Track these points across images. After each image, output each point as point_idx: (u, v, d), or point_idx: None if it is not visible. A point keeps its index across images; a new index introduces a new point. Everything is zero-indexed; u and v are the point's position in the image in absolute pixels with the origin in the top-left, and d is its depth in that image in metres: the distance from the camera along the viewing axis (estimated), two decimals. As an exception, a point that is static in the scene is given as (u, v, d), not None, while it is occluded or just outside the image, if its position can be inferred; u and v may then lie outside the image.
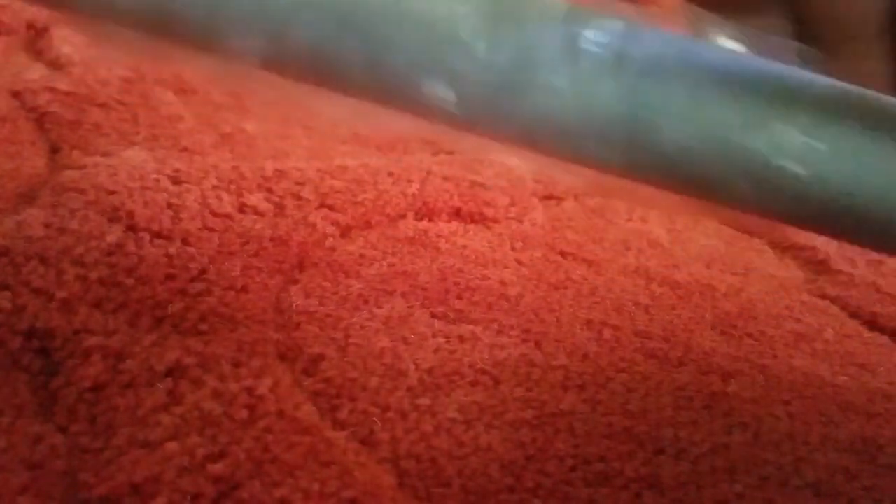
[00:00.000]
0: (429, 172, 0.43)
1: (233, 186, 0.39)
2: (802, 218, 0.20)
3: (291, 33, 0.19)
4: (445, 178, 0.44)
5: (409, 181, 0.43)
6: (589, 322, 0.35)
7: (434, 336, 0.33)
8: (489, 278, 0.37)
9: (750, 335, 0.36)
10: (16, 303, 0.30)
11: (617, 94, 0.19)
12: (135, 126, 0.43)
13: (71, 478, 0.25)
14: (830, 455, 0.30)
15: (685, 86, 0.19)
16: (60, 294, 0.31)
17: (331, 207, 0.40)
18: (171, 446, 0.26)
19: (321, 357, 0.30)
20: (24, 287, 0.31)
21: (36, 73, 0.47)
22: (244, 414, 0.27)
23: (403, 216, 0.41)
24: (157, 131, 0.43)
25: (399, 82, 0.19)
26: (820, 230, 0.21)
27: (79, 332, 0.29)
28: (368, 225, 0.40)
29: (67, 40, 0.49)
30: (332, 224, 0.38)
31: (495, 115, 0.20)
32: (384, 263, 0.36)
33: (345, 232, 0.39)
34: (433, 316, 0.34)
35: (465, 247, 0.39)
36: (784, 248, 0.45)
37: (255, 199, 0.38)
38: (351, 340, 0.32)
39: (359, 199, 0.40)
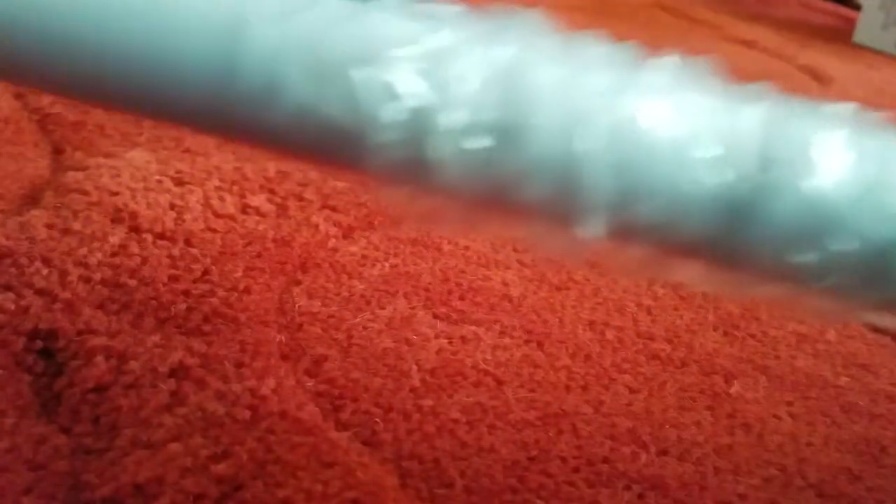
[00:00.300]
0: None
1: (235, 188, 0.39)
2: None
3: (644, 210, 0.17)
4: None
5: (412, 182, 0.43)
6: (591, 323, 0.35)
7: (436, 337, 0.33)
8: (491, 279, 0.37)
9: (752, 336, 0.36)
10: (19, 304, 0.30)
11: None
12: (137, 127, 0.43)
13: (74, 478, 0.25)
14: (833, 456, 0.30)
15: None
16: (64, 295, 0.31)
17: (333, 209, 0.40)
18: (175, 447, 0.26)
19: (324, 358, 0.31)
20: (27, 288, 0.31)
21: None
22: (247, 415, 0.27)
23: (405, 217, 0.41)
24: (159, 132, 0.43)
25: (768, 254, 0.17)
26: None
27: (82, 332, 0.29)
28: (371, 226, 0.40)
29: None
30: (335, 225, 0.38)
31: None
32: (386, 264, 0.36)
33: (347, 233, 0.39)
34: (435, 317, 0.34)
35: (467, 248, 0.39)
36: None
37: (258, 200, 0.38)
38: (353, 341, 0.32)
39: (361, 200, 0.40)
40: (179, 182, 0.38)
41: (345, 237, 0.38)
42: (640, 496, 0.27)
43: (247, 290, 0.33)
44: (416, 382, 0.30)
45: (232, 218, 0.37)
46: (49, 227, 0.34)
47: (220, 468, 0.25)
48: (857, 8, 1.03)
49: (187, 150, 0.42)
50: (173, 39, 0.17)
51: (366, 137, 0.16)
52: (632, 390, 0.31)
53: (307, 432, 0.27)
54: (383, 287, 0.35)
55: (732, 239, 0.17)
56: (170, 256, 0.34)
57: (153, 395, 0.27)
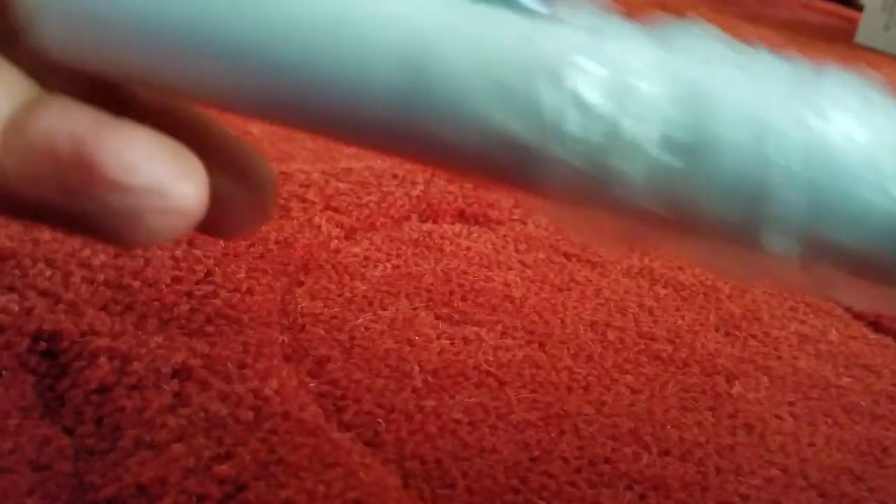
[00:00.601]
0: (433, 175, 0.44)
1: (238, 189, 0.39)
2: None
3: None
4: (449, 181, 0.44)
5: (414, 183, 0.43)
6: (593, 324, 0.35)
7: (439, 338, 0.33)
8: (493, 280, 0.37)
9: (754, 336, 0.36)
10: (23, 305, 0.30)
11: None
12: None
13: (78, 479, 0.25)
14: (835, 456, 0.30)
15: None
16: (67, 296, 0.31)
17: (335, 210, 0.40)
18: (178, 448, 0.26)
19: (326, 359, 0.31)
20: (31, 290, 0.31)
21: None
22: (250, 415, 0.27)
23: (408, 218, 0.41)
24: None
25: None
26: None
27: (86, 334, 0.29)
28: (373, 227, 0.40)
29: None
30: (337, 226, 0.39)
31: None
32: (389, 265, 0.37)
33: (349, 234, 0.39)
34: (438, 318, 0.34)
35: (469, 249, 0.39)
36: (788, 250, 0.45)
37: (260, 201, 0.38)
38: (356, 342, 0.32)
39: (363, 201, 0.41)
40: (182, 184, 0.38)
41: (347, 238, 0.38)
42: (642, 496, 0.27)
43: (249, 292, 0.33)
44: (419, 383, 0.30)
45: (234, 219, 0.37)
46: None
47: (223, 469, 0.25)
48: (860, 9, 1.03)
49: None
50: (358, 55, 0.16)
51: (550, 152, 0.16)
52: (633, 391, 0.32)
53: (310, 433, 0.27)
54: (385, 288, 0.35)
55: None
56: (173, 258, 0.34)
57: (156, 396, 0.28)
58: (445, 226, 0.41)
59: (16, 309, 0.30)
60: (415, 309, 0.34)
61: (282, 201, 0.39)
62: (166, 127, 0.18)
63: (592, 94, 0.16)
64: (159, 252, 0.34)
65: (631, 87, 0.16)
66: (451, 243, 0.39)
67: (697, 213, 0.16)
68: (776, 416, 0.32)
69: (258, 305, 0.32)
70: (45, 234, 0.34)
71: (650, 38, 0.17)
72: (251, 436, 0.26)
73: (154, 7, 0.17)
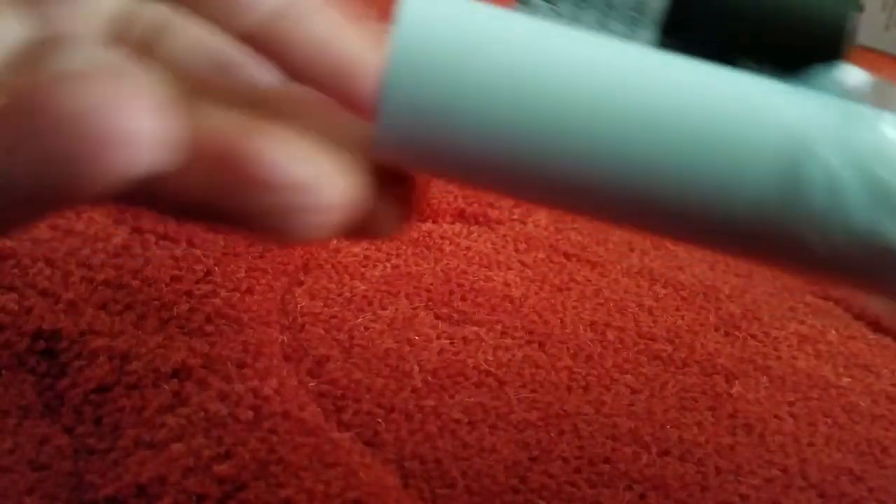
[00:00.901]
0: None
1: (237, 188, 0.39)
2: None
3: None
4: (449, 180, 0.44)
5: (414, 183, 0.43)
6: (593, 323, 0.35)
7: (438, 337, 0.33)
8: (493, 280, 0.37)
9: (754, 337, 0.36)
10: (22, 304, 0.30)
11: None
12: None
13: (77, 479, 0.25)
14: (835, 456, 0.30)
15: None
16: (67, 296, 0.31)
17: (335, 209, 0.40)
18: (177, 447, 0.26)
19: (326, 358, 0.31)
20: (30, 289, 0.31)
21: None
22: (249, 415, 0.27)
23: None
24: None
25: None
26: None
27: (85, 333, 0.29)
28: (373, 227, 0.40)
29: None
30: (337, 226, 0.38)
31: None
32: (388, 265, 0.37)
33: (349, 234, 0.39)
34: (437, 317, 0.34)
35: (468, 248, 0.39)
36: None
37: (260, 201, 0.38)
38: (355, 342, 0.32)
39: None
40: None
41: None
42: (642, 496, 0.27)
43: (249, 291, 0.33)
44: (418, 383, 0.30)
45: (234, 219, 0.37)
46: (52, 227, 0.34)
47: (223, 468, 0.25)
48: (860, 9, 1.03)
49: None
50: (730, 154, 0.15)
51: None
52: (633, 391, 0.32)
53: (309, 433, 0.27)
54: (385, 288, 0.35)
55: None
56: (172, 257, 0.34)
57: (156, 395, 0.28)
58: (445, 225, 0.41)
59: (15, 308, 0.30)
60: (414, 309, 0.34)
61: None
62: (314, 124, 0.18)
63: None
64: (159, 252, 0.34)
65: None
66: (450, 243, 0.39)
67: None
68: (776, 417, 0.32)
69: (258, 305, 0.32)
70: (45, 234, 0.33)
71: None
72: (251, 435, 0.26)
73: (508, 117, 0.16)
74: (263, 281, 0.34)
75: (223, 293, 0.32)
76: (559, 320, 0.35)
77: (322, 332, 0.32)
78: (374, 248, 0.38)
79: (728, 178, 0.16)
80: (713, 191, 0.16)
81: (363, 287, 0.35)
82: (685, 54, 0.17)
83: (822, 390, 0.33)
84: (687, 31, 0.18)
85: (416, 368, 0.31)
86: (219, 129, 0.17)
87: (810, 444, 0.30)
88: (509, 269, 0.38)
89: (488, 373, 0.31)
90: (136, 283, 0.32)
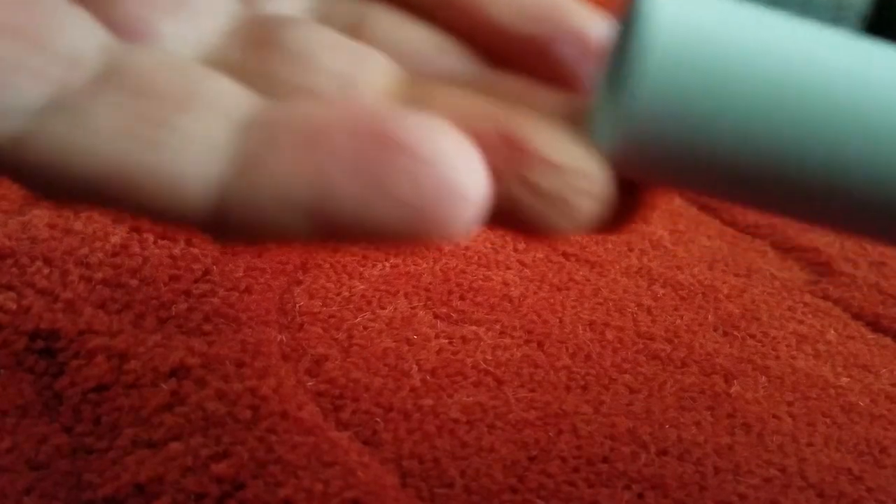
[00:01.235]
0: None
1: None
2: None
3: None
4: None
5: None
6: (591, 323, 0.35)
7: (437, 337, 0.33)
8: (492, 279, 0.37)
9: (752, 336, 0.36)
10: (20, 303, 0.30)
11: None
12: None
13: (75, 478, 0.25)
14: (834, 456, 0.30)
15: None
16: (65, 295, 0.31)
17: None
18: (175, 446, 0.26)
19: (324, 358, 0.31)
20: (28, 288, 0.31)
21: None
22: (248, 414, 0.27)
23: None
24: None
25: None
26: None
27: (83, 332, 0.29)
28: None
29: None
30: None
31: None
32: (387, 264, 0.37)
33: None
34: (436, 317, 0.34)
35: (467, 248, 0.39)
36: (787, 250, 0.45)
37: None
38: (354, 341, 0.32)
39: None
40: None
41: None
42: (640, 496, 0.27)
43: (248, 290, 0.33)
44: (417, 382, 0.30)
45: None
46: (51, 226, 0.34)
47: (221, 467, 0.25)
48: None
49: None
50: None
51: None
52: (632, 390, 0.31)
53: (308, 432, 0.27)
54: (384, 287, 0.35)
55: None
56: (171, 256, 0.34)
57: (154, 394, 0.28)
58: (444, 225, 0.41)
59: (13, 307, 0.30)
60: (413, 308, 0.34)
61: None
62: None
63: None
64: (157, 251, 0.34)
65: None
66: (449, 242, 0.39)
67: None
68: (774, 416, 0.32)
69: (256, 304, 0.32)
70: (43, 233, 0.33)
71: None
72: (249, 434, 0.26)
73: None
74: (262, 280, 0.34)
75: (221, 292, 0.32)
76: (558, 320, 0.35)
77: (320, 331, 0.32)
78: (373, 247, 0.38)
79: None
80: None
81: (362, 286, 0.35)
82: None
83: (820, 390, 0.33)
84: (893, 30, 0.17)
85: (415, 368, 0.31)
86: (481, 110, 0.16)
87: (809, 444, 0.30)
88: (508, 268, 0.38)
89: (487, 372, 0.31)
90: (134, 282, 0.32)
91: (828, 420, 0.32)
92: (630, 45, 0.15)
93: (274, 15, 0.18)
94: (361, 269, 0.36)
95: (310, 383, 0.29)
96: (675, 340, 0.35)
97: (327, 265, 0.36)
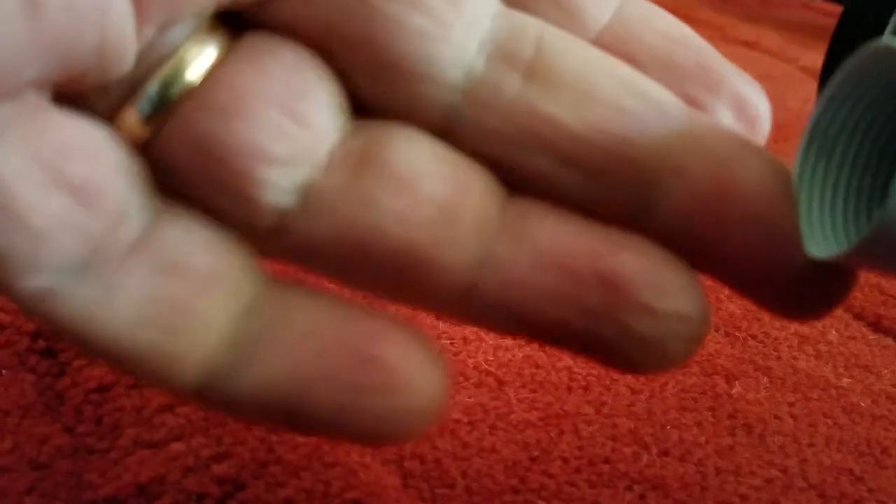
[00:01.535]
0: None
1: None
2: None
3: None
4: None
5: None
6: (593, 324, 0.35)
7: (438, 337, 0.33)
8: (493, 280, 0.37)
9: (754, 337, 0.36)
10: (22, 304, 0.30)
11: None
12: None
13: (77, 478, 0.25)
14: (835, 457, 0.30)
15: None
16: (66, 295, 0.31)
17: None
18: (176, 447, 0.26)
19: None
20: (30, 288, 0.31)
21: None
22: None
23: None
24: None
25: None
26: None
27: (85, 332, 0.29)
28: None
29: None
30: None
31: None
32: (389, 265, 0.36)
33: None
34: (437, 317, 0.34)
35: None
36: (788, 250, 0.45)
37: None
38: (355, 342, 0.32)
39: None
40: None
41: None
42: (642, 496, 0.27)
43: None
44: (418, 383, 0.30)
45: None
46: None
47: (222, 468, 0.25)
48: (860, 9, 1.03)
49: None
50: None
51: None
52: (633, 391, 0.31)
53: (309, 432, 0.27)
54: (385, 287, 0.35)
55: None
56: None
57: (155, 394, 0.28)
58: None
59: (15, 307, 0.30)
60: (414, 308, 0.34)
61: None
62: None
63: None
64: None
65: None
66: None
67: None
68: (776, 417, 0.32)
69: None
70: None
71: None
72: (250, 435, 0.26)
73: None
74: (263, 280, 0.34)
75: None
76: (559, 320, 0.35)
77: (322, 331, 0.32)
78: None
79: None
80: None
81: (363, 287, 0.35)
82: None
83: (822, 391, 0.33)
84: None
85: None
86: (578, 241, 0.15)
87: (810, 445, 0.30)
88: (509, 269, 0.38)
89: (488, 373, 0.31)
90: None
91: (829, 421, 0.32)
92: (871, 120, 0.14)
93: (383, 129, 0.16)
94: (363, 269, 0.36)
95: (311, 384, 0.29)
96: (677, 341, 0.35)
97: (328, 265, 0.36)
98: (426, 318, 0.34)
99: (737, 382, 0.33)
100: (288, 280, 0.17)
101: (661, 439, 0.29)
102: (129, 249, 0.15)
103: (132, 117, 0.15)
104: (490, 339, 0.33)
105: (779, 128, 0.22)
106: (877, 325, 0.39)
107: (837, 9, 1.16)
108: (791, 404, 0.32)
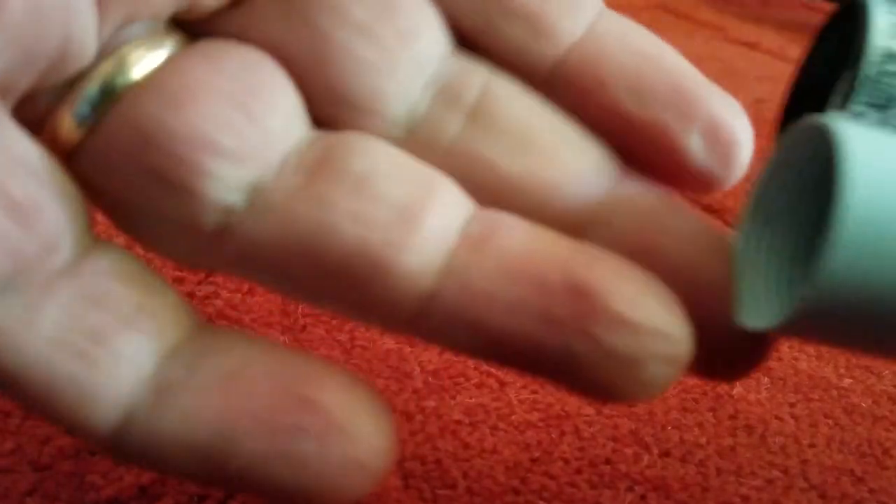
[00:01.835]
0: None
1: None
2: None
3: None
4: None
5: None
6: (594, 324, 0.35)
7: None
8: (494, 281, 0.37)
9: (755, 337, 0.36)
10: (24, 305, 0.30)
11: None
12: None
13: (79, 479, 0.25)
14: (836, 458, 0.30)
15: None
16: (68, 296, 0.31)
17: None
18: (178, 448, 0.26)
19: (327, 359, 0.30)
20: (31, 289, 0.31)
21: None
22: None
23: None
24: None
25: None
26: None
27: (86, 334, 0.29)
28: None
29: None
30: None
31: None
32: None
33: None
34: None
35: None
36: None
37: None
38: (356, 342, 0.32)
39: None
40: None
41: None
42: (643, 497, 0.27)
43: (250, 292, 0.33)
44: (419, 384, 0.30)
45: (235, 219, 0.37)
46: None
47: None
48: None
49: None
50: None
51: None
52: (634, 392, 0.31)
53: (310, 433, 0.27)
54: (386, 288, 0.35)
55: None
56: (173, 258, 0.34)
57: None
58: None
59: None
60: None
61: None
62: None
63: None
64: (160, 252, 0.34)
65: None
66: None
67: None
68: (777, 418, 0.32)
69: (259, 306, 0.32)
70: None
71: None
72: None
73: None
74: (264, 282, 0.34)
75: (225, 294, 0.32)
76: (560, 321, 0.35)
77: (323, 332, 0.32)
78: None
79: None
80: None
81: (364, 288, 0.35)
82: None
83: (823, 391, 0.33)
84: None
85: (417, 369, 0.31)
86: (548, 249, 0.14)
87: (811, 446, 0.30)
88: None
89: (489, 374, 0.31)
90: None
91: (830, 421, 0.32)
92: (809, 192, 0.14)
93: (343, 136, 0.16)
94: (364, 270, 0.36)
95: (312, 385, 0.29)
96: (678, 342, 0.35)
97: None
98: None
99: (738, 383, 0.33)
100: (222, 325, 0.17)
101: (662, 440, 0.29)
102: (55, 275, 0.14)
103: (66, 121, 0.15)
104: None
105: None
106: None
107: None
108: (792, 405, 0.32)
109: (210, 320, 0.31)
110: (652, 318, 0.13)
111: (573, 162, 0.16)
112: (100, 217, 0.17)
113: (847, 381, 0.34)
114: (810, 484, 0.29)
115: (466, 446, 0.28)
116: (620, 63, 0.16)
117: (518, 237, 0.15)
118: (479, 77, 0.17)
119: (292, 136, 0.15)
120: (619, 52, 0.17)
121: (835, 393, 0.33)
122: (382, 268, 0.14)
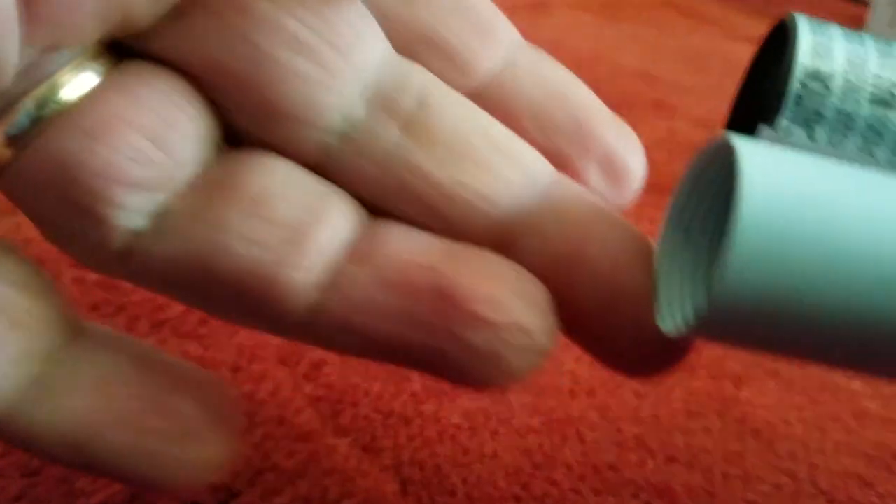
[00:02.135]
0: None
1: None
2: None
3: None
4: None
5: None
6: (597, 325, 0.34)
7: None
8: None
9: (762, 339, 0.36)
10: (13, 306, 0.30)
11: None
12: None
13: (68, 485, 0.25)
14: (844, 462, 0.30)
15: None
16: (58, 297, 0.30)
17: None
18: (170, 453, 0.25)
19: (322, 362, 0.30)
20: (21, 290, 0.30)
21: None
22: (243, 420, 0.27)
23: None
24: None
25: None
26: None
27: (77, 335, 0.29)
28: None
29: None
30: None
31: None
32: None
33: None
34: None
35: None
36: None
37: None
38: (354, 344, 0.31)
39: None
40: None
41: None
42: (647, 504, 0.26)
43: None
44: (417, 387, 0.30)
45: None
46: (45, 227, 0.33)
47: (216, 475, 0.25)
48: (866, 4, 1.02)
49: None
50: None
51: None
52: (638, 395, 0.31)
53: (305, 438, 0.26)
54: (385, 289, 0.34)
55: None
56: (167, 257, 0.33)
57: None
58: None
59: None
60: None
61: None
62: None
63: None
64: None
65: None
66: None
67: None
68: (785, 421, 0.31)
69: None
70: (36, 234, 0.33)
71: None
72: (244, 441, 0.26)
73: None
74: (260, 282, 0.33)
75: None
76: (562, 322, 0.34)
77: (320, 334, 0.32)
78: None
79: None
80: None
81: (362, 288, 0.34)
82: None
83: (831, 394, 0.33)
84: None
85: (415, 373, 0.30)
86: (416, 255, 0.16)
87: (820, 450, 0.30)
88: (512, 269, 0.37)
89: (490, 376, 0.31)
90: (128, 284, 0.32)
91: (838, 425, 0.31)
92: (715, 205, 0.15)
93: (244, 157, 0.17)
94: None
95: (307, 388, 0.29)
96: (683, 343, 0.34)
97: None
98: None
99: (745, 386, 0.33)
100: (101, 329, 0.18)
101: (667, 445, 0.29)
102: None
103: None
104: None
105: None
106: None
107: (841, 3, 1.16)
108: (800, 408, 0.32)
109: (202, 322, 0.31)
110: (510, 314, 0.15)
111: (504, 170, 0.17)
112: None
113: (856, 385, 0.34)
114: (819, 489, 0.28)
115: (466, 451, 0.27)
116: (531, 98, 0.18)
117: (395, 247, 0.16)
118: (416, 82, 0.17)
119: (202, 160, 0.16)
120: (531, 87, 0.18)
121: (843, 396, 0.33)
122: (273, 286, 0.16)
